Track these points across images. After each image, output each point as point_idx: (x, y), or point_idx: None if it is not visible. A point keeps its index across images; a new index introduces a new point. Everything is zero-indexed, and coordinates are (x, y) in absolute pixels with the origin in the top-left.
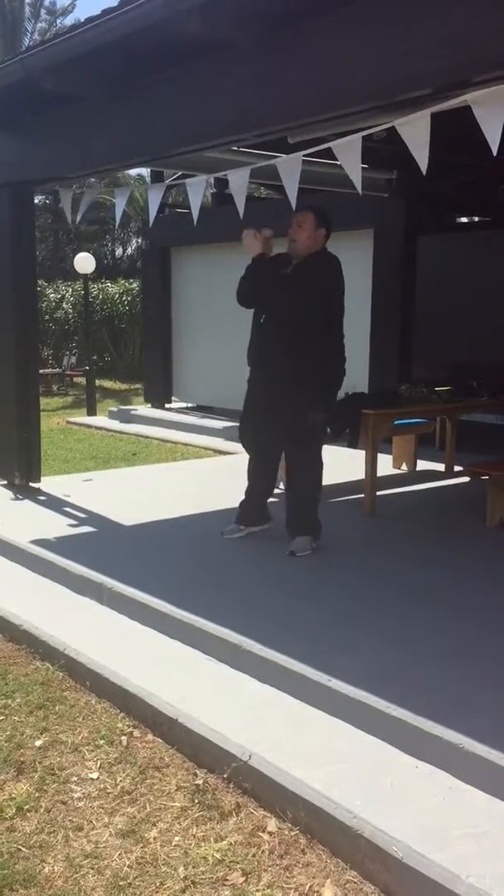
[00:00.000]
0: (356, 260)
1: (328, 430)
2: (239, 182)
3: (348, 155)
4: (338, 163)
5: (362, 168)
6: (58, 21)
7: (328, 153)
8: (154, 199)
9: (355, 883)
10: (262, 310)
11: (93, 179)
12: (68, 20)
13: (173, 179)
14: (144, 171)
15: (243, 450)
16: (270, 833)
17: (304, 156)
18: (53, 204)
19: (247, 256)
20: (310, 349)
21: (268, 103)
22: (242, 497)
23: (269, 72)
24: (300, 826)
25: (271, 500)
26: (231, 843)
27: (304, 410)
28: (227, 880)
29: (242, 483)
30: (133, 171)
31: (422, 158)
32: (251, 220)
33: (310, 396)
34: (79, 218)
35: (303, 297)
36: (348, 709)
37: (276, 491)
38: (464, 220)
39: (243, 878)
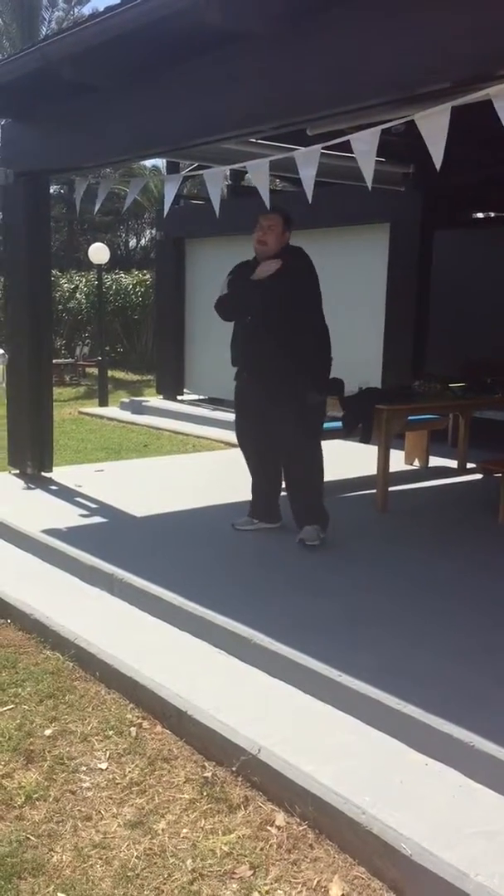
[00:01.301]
0: (372, 254)
1: (342, 422)
2: (260, 173)
3: (364, 148)
4: (353, 155)
5: (379, 161)
6: (74, 10)
7: (344, 146)
8: (170, 190)
9: (363, 879)
10: (247, 312)
11: (109, 170)
12: (85, 9)
13: (190, 171)
14: (159, 162)
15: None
16: (279, 827)
17: (322, 148)
18: (68, 194)
19: None
20: (297, 338)
21: (286, 95)
22: (251, 492)
23: (288, 63)
24: (309, 821)
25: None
26: (239, 837)
27: (302, 394)
28: (234, 873)
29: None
30: (148, 163)
31: (437, 153)
32: (254, 212)
33: (304, 381)
34: (97, 208)
35: (279, 295)
36: (359, 704)
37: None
38: (480, 215)
39: (251, 872)
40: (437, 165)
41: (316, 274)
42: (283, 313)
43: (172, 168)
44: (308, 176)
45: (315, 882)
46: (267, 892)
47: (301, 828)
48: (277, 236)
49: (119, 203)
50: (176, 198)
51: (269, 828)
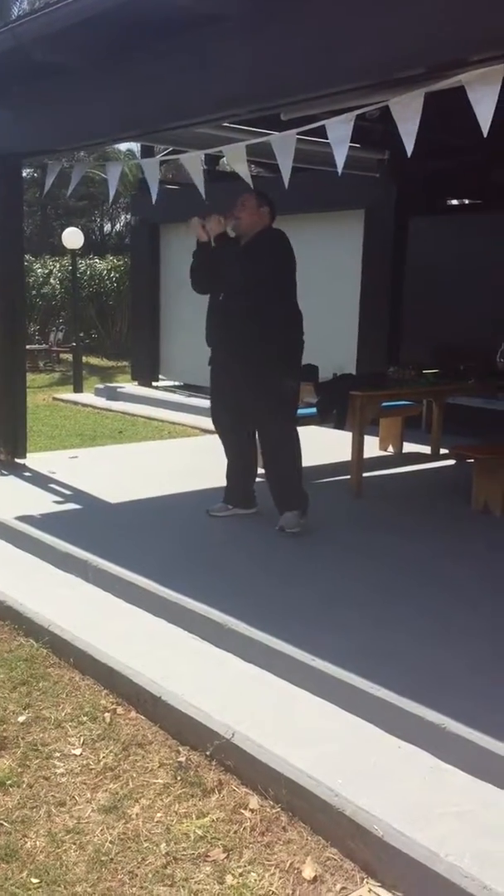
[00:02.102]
0: (347, 240)
1: (317, 409)
2: (237, 157)
3: (338, 133)
4: (328, 141)
5: (354, 147)
6: None
7: (318, 131)
8: (152, 174)
9: (336, 860)
10: (220, 289)
11: (82, 153)
12: None
13: (165, 155)
14: (134, 146)
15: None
16: (252, 810)
17: (298, 134)
18: (42, 177)
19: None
20: (267, 321)
21: (261, 79)
22: (226, 476)
23: (262, 47)
24: (282, 804)
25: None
26: (213, 820)
27: (274, 377)
28: (208, 856)
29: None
30: (122, 146)
31: (409, 139)
32: (232, 198)
33: (276, 364)
34: (70, 192)
35: (255, 272)
36: (332, 688)
37: (259, 471)
38: (455, 202)
39: (224, 855)
40: (409, 151)
41: (292, 257)
42: (253, 295)
43: (147, 152)
44: (285, 161)
45: (288, 864)
46: (240, 875)
47: (274, 811)
48: (250, 212)
49: (94, 187)
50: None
51: (242, 811)
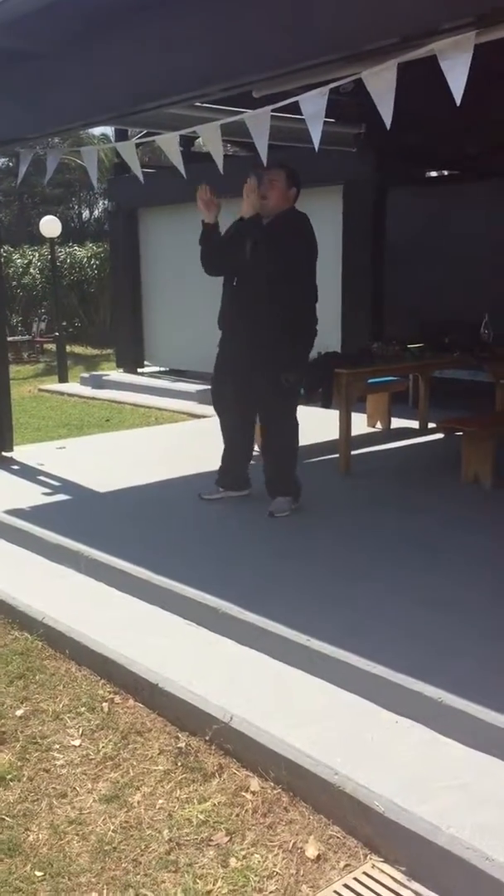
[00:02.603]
0: (325, 217)
1: (301, 391)
2: (211, 138)
3: (313, 109)
4: (303, 117)
5: (330, 123)
6: None
7: (292, 107)
8: (131, 156)
9: (338, 838)
10: (235, 272)
11: (57, 140)
12: None
13: (139, 138)
14: (108, 130)
15: (216, 413)
16: (253, 792)
17: (272, 111)
18: (17, 167)
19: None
20: (283, 310)
21: (229, 56)
22: (220, 460)
23: (230, 23)
24: (282, 785)
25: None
26: (214, 804)
27: (278, 371)
28: (211, 840)
29: (218, 446)
30: (96, 131)
31: (386, 111)
32: (212, 179)
33: (283, 357)
34: (47, 179)
35: (274, 257)
36: (328, 667)
37: (254, 453)
38: (433, 174)
39: (227, 838)
40: (388, 123)
41: (315, 244)
42: (270, 277)
43: (122, 136)
44: (261, 139)
45: (291, 844)
46: (244, 857)
47: (275, 792)
48: (281, 192)
49: (69, 174)
50: (126, 167)
51: (243, 794)
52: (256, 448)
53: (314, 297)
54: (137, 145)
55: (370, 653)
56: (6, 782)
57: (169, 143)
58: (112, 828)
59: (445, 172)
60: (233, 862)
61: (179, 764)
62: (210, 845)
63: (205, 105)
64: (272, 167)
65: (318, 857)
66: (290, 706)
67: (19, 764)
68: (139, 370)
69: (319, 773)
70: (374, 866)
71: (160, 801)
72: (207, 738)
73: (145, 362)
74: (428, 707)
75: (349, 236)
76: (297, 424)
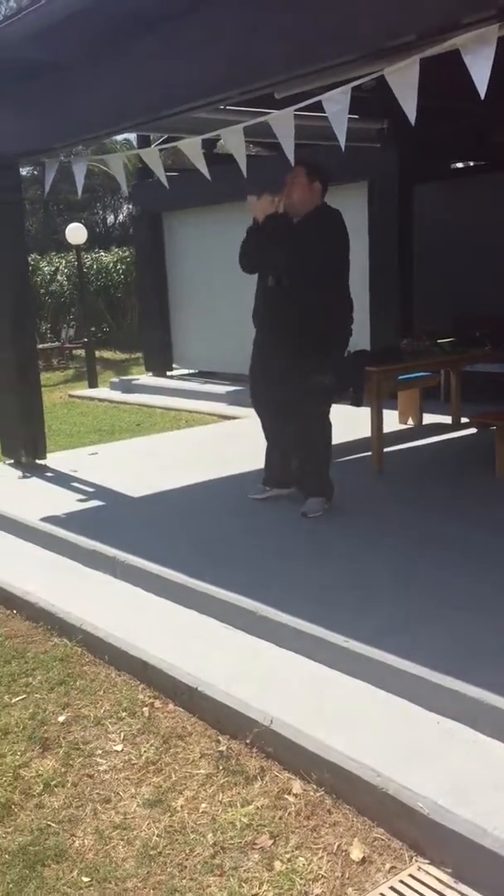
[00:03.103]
0: (351, 214)
1: (344, 390)
2: (235, 141)
3: (336, 108)
4: (326, 115)
5: (353, 119)
6: None
7: (314, 106)
8: (155, 162)
9: (383, 840)
10: (268, 271)
11: (80, 147)
12: None
13: (161, 143)
14: (130, 136)
15: (248, 414)
16: (296, 795)
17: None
18: (42, 175)
19: (244, 217)
20: (317, 309)
21: (249, 59)
22: (257, 461)
23: (251, 26)
24: (325, 787)
25: None
26: (257, 808)
27: (312, 373)
28: (255, 844)
29: (249, 447)
30: (119, 136)
31: (410, 107)
32: (236, 180)
33: (318, 358)
34: (80, 189)
35: (307, 255)
36: (367, 668)
37: None
38: (459, 165)
39: (271, 841)
40: (412, 120)
41: (347, 241)
42: (301, 273)
43: (143, 142)
44: (286, 139)
45: (335, 846)
46: (289, 860)
47: (318, 794)
48: (303, 188)
49: (93, 179)
50: (149, 171)
51: (286, 797)
52: None
53: (346, 296)
54: (161, 150)
55: (409, 653)
56: (51, 788)
57: (192, 147)
58: (156, 832)
59: (472, 164)
60: (277, 865)
61: (221, 767)
62: (254, 849)
63: (229, 108)
64: (295, 165)
65: (363, 859)
66: (330, 708)
67: (63, 770)
68: (168, 373)
69: (362, 775)
70: (419, 868)
71: (203, 805)
72: (248, 741)
73: (174, 365)
74: (470, 707)
75: (376, 232)
76: (329, 425)
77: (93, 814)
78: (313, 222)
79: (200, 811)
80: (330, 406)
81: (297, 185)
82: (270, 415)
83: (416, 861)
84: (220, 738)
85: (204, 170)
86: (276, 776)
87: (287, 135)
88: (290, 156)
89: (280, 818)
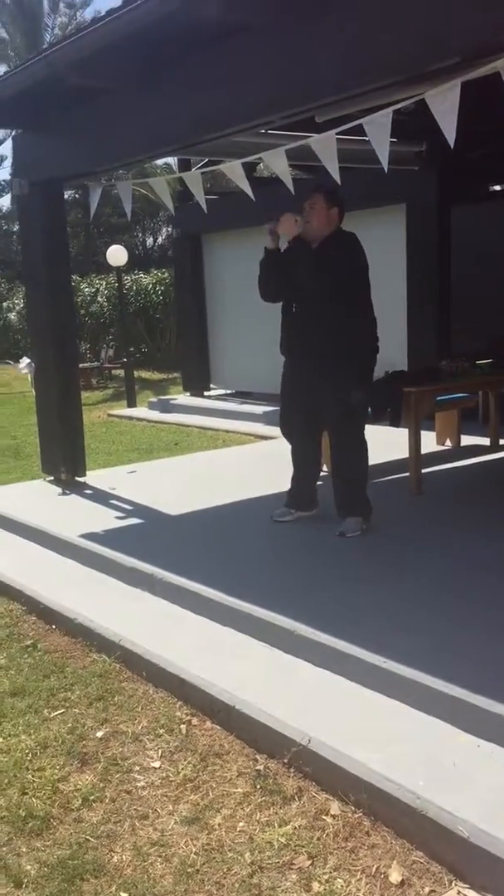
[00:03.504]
0: (389, 236)
1: (369, 409)
2: (278, 163)
3: (377, 131)
4: (365, 138)
5: (392, 142)
6: (77, 14)
7: (354, 128)
8: (195, 186)
9: (422, 863)
10: (291, 297)
11: (121, 171)
12: (87, 12)
13: (201, 166)
14: (170, 159)
15: (284, 436)
16: (334, 816)
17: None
18: (83, 198)
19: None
20: (342, 329)
21: (292, 84)
22: (289, 481)
23: (292, 51)
24: (363, 808)
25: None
26: (295, 828)
27: (345, 389)
28: (293, 864)
29: (286, 467)
30: (159, 160)
31: (450, 130)
32: (276, 201)
33: (349, 374)
34: (129, 213)
35: (327, 279)
36: (406, 689)
37: (321, 474)
38: (497, 188)
39: (309, 862)
40: (451, 143)
41: (365, 261)
42: (325, 300)
43: (184, 165)
44: (329, 161)
45: (374, 868)
46: (326, 881)
47: (356, 815)
48: (320, 213)
49: (133, 203)
50: (189, 194)
51: (324, 817)
52: (325, 468)
53: (370, 314)
54: (203, 174)
55: (448, 675)
56: (89, 803)
57: (235, 170)
58: (194, 850)
59: None
60: (315, 886)
61: (258, 786)
62: (292, 869)
63: (270, 132)
64: (312, 191)
65: (402, 882)
66: (367, 728)
67: (101, 785)
68: (205, 393)
69: (401, 797)
70: (459, 893)
71: (241, 824)
72: (286, 760)
73: (211, 385)
74: None
75: (414, 254)
76: (365, 443)
77: (131, 830)
78: (332, 246)
79: (238, 830)
80: (364, 425)
81: (315, 211)
82: (298, 439)
83: (456, 885)
84: (257, 756)
85: (248, 191)
86: (314, 796)
87: (331, 158)
88: (336, 176)
89: (318, 839)
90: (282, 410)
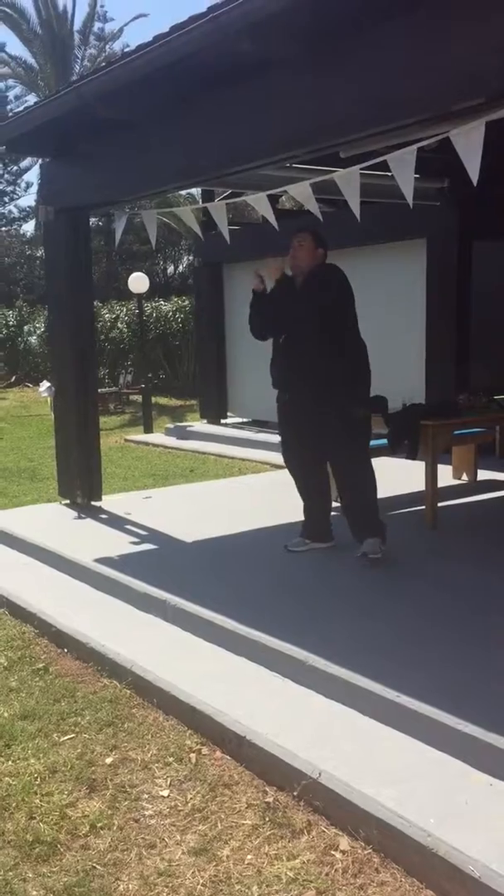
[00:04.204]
0: (409, 270)
1: (387, 438)
2: (304, 195)
3: (402, 167)
4: (388, 174)
5: (414, 178)
6: (107, 47)
7: (378, 164)
8: (220, 216)
9: None
10: (279, 332)
11: (145, 200)
12: (117, 45)
13: (226, 197)
14: (194, 190)
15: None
16: (343, 851)
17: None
18: (106, 225)
19: None
20: (334, 353)
21: (318, 119)
22: (303, 512)
23: (318, 87)
24: (373, 844)
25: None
26: (304, 862)
27: (346, 408)
28: None
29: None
30: (183, 191)
31: (473, 168)
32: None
33: (346, 394)
34: (153, 241)
35: (312, 308)
36: (418, 725)
37: (334, 504)
38: None
39: None
40: (474, 180)
41: (350, 289)
42: (315, 327)
43: (207, 196)
44: (352, 196)
45: None
46: None
47: (366, 852)
48: (308, 252)
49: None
50: (212, 224)
51: (333, 852)
52: (336, 503)
53: (356, 337)
54: (226, 204)
55: (461, 712)
56: (97, 830)
57: (260, 202)
58: (201, 881)
59: None
60: None
61: (268, 819)
62: None
63: (294, 165)
64: (301, 231)
65: None
66: (379, 763)
67: (109, 812)
68: (222, 421)
69: (412, 834)
70: None
71: (249, 857)
72: (296, 793)
73: (228, 413)
74: None
75: (433, 289)
76: (370, 465)
77: (138, 858)
78: (315, 277)
79: (246, 862)
80: (368, 446)
81: (304, 249)
82: (303, 471)
83: None
84: (267, 788)
85: (273, 221)
86: (324, 831)
87: (354, 193)
88: (357, 212)
89: (327, 874)
90: (283, 443)
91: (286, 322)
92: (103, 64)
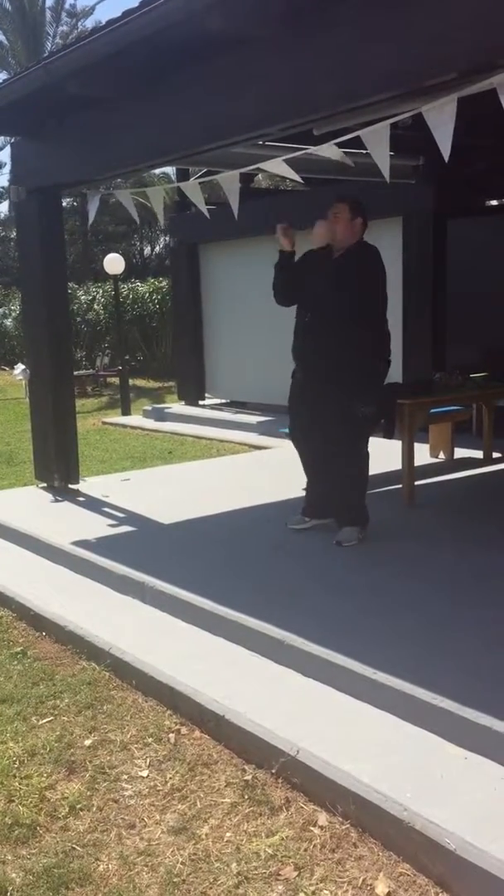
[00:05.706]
0: (385, 249)
1: (382, 420)
2: (281, 169)
3: (376, 143)
4: (362, 151)
5: (389, 155)
6: (79, 24)
7: (353, 141)
8: (196, 195)
9: (409, 875)
10: (306, 305)
11: (119, 180)
12: (89, 22)
13: (198, 177)
14: (168, 169)
15: (278, 444)
16: (321, 827)
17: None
18: (81, 206)
19: (276, 249)
20: (355, 341)
21: (291, 96)
22: (294, 489)
23: (291, 64)
24: (351, 819)
25: None
26: (282, 838)
27: (352, 404)
28: (279, 875)
29: (278, 476)
30: (157, 170)
31: (445, 144)
32: (275, 214)
33: (357, 390)
34: (137, 218)
35: (344, 290)
36: (394, 701)
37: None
38: (494, 202)
39: (296, 873)
40: (446, 156)
41: (383, 274)
42: (339, 307)
43: (182, 174)
44: (382, 157)
45: (360, 880)
46: (313, 893)
47: (344, 827)
48: (345, 224)
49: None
50: (186, 204)
51: (311, 828)
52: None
53: (385, 330)
54: (200, 184)
55: (437, 686)
56: (76, 811)
57: (229, 182)
58: (181, 860)
59: None
60: None
61: (246, 797)
62: (278, 880)
63: (268, 143)
64: (336, 201)
65: (389, 894)
66: (356, 739)
67: (89, 793)
68: (200, 402)
69: (389, 808)
70: None
71: (228, 834)
72: (274, 771)
73: (206, 394)
74: (498, 742)
75: (410, 267)
76: (367, 457)
77: (117, 839)
78: (353, 257)
79: (225, 840)
80: (368, 438)
81: (340, 221)
82: (310, 449)
83: None
84: (245, 766)
85: (234, 205)
86: (302, 807)
87: (383, 152)
88: (386, 172)
89: (305, 850)
90: (290, 417)
91: (309, 298)
92: (74, 41)
